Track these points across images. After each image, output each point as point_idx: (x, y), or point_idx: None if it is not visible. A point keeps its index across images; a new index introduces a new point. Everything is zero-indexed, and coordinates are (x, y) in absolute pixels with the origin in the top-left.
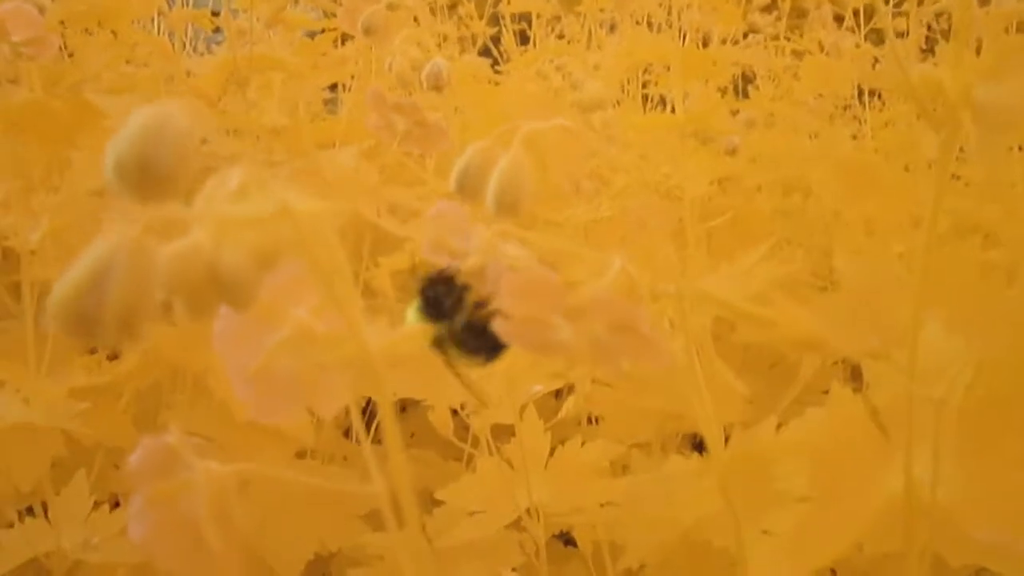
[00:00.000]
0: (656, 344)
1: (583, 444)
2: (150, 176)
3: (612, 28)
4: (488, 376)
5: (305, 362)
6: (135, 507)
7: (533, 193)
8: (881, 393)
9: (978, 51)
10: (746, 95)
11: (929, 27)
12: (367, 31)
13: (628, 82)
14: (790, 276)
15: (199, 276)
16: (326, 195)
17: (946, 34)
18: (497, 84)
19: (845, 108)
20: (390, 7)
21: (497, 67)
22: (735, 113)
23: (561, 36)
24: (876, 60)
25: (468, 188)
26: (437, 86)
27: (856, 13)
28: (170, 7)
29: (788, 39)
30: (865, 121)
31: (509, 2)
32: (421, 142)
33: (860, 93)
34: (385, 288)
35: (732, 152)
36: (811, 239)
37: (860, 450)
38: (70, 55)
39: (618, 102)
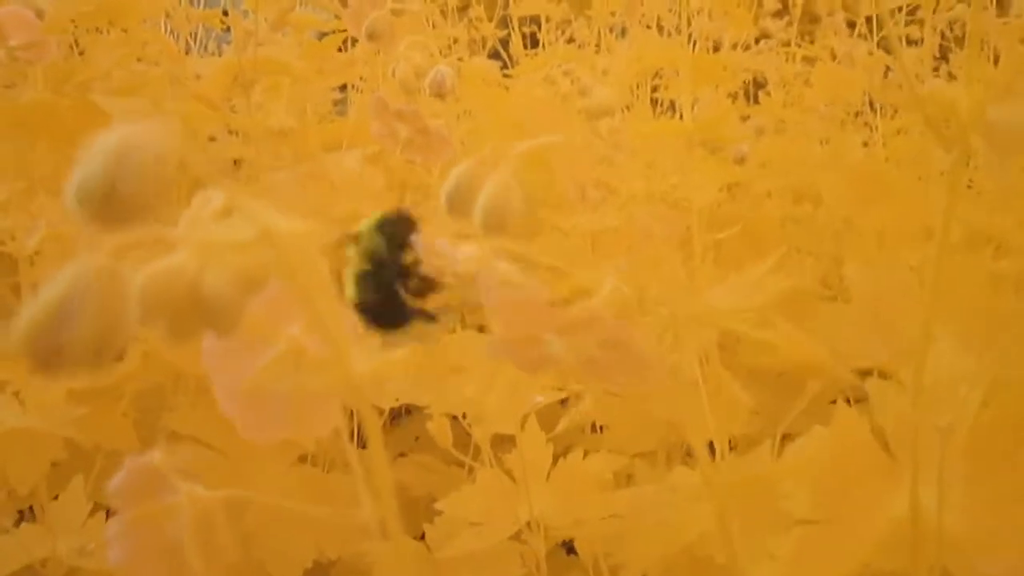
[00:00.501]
0: (648, 361)
1: (585, 456)
2: (114, 204)
3: (623, 32)
4: (490, 386)
5: (293, 385)
6: (114, 530)
7: (520, 213)
8: (886, 413)
9: (996, 61)
10: (757, 101)
11: (943, 35)
12: (371, 36)
13: (637, 87)
14: (799, 288)
15: (181, 299)
16: (330, 201)
17: (960, 41)
18: (507, 88)
19: (856, 115)
20: (394, 12)
21: (507, 70)
22: (745, 119)
23: (571, 40)
24: (888, 69)
25: (458, 207)
26: (440, 93)
27: (869, 19)
28: (180, 3)
29: (799, 45)
30: (876, 128)
31: (517, 4)
32: (423, 150)
33: (871, 100)
34: None
35: (741, 161)
36: (821, 247)
37: (864, 472)
38: (80, 53)
39: (627, 107)
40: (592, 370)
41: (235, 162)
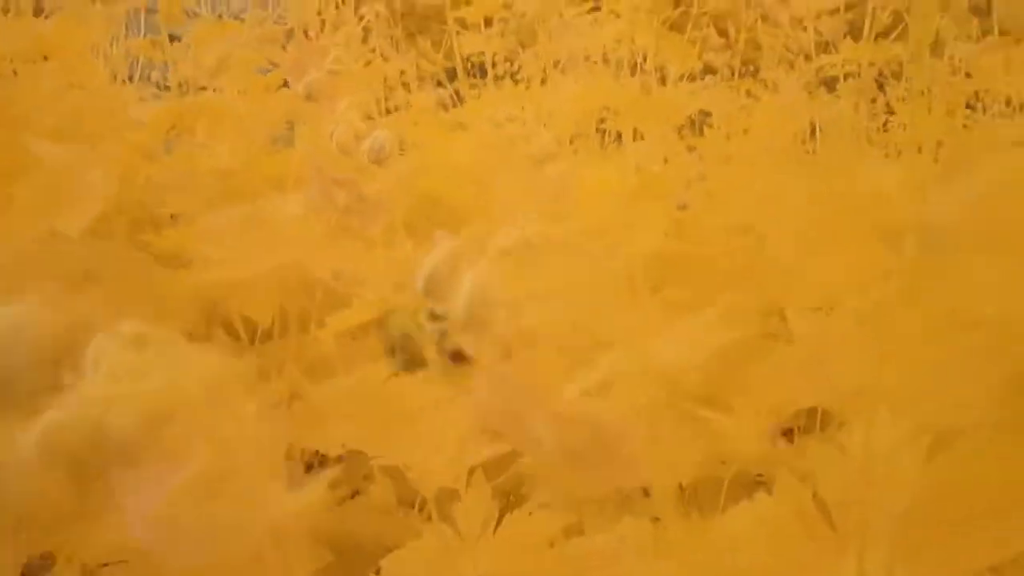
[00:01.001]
0: (636, 466)
1: (531, 513)
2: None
3: (567, 69)
4: (435, 437)
5: (208, 515)
6: None
7: (504, 309)
8: (828, 483)
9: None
10: (702, 132)
11: (880, 71)
12: (309, 97)
13: (584, 120)
14: (744, 334)
15: (84, 444)
16: (270, 249)
17: (897, 75)
18: (459, 125)
19: (802, 142)
20: (332, 73)
21: (454, 98)
22: (692, 149)
23: (517, 72)
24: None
25: (436, 293)
26: (379, 160)
27: (809, 56)
28: (124, 33)
29: (743, 77)
30: (816, 154)
31: (459, 35)
32: (360, 217)
33: (813, 130)
34: (330, 351)
35: (683, 207)
36: (765, 280)
37: (805, 544)
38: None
39: (573, 138)
40: (573, 463)
41: (172, 216)
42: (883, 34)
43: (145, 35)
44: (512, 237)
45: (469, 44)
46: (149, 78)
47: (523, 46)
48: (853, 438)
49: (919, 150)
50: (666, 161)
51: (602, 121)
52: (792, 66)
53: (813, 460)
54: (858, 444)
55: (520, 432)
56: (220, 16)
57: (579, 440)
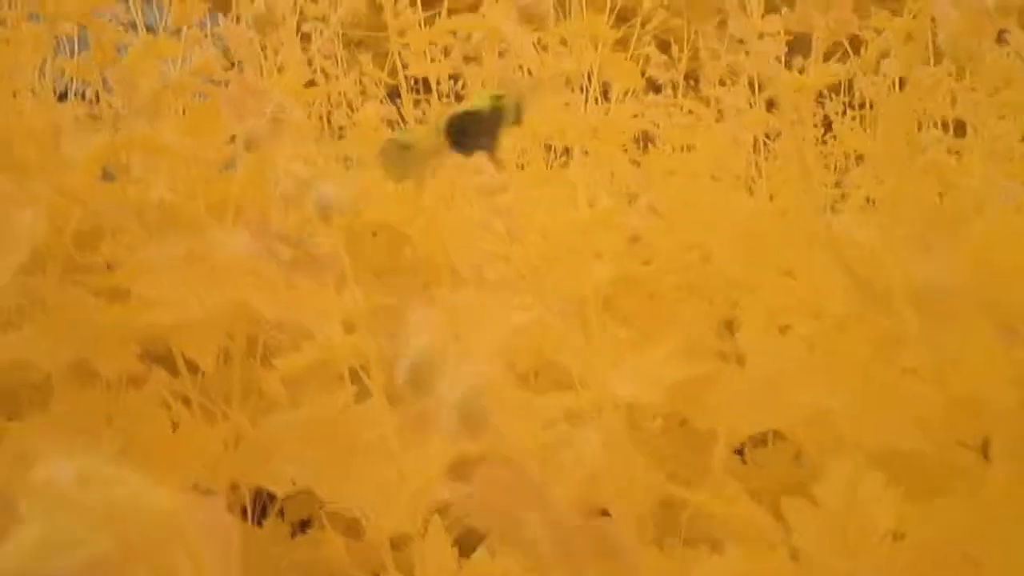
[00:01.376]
0: (629, 558)
1: (492, 557)
2: None
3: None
4: (390, 477)
5: None
6: None
7: (499, 409)
8: (804, 534)
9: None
10: (647, 148)
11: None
12: (248, 146)
13: (531, 139)
14: (698, 363)
15: None
16: (211, 286)
17: (836, 89)
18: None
19: (746, 159)
20: (274, 121)
21: (400, 115)
22: (637, 164)
23: (460, 93)
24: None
25: (419, 385)
26: (325, 216)
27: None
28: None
29: (685, 95)
30: (762, 171)
31: (406, 67)
32: (309, 270)
33: (756, 148)
34: (277, 393)
35: (634, 240)
36: (716, 295)
37: None
38: None
39: (519, 155)
40: (570, 558)
41: (108, 266)
42: (826, 56)
43: (80, 52)
44: (506, 327)
45: (414, 63)
46: (83, 95)
47: (468, 60)
48: (829, 489)
49: (858, 165)
50: (612, 175)
51: (549, 138)
52: (734, 84)
53: (788, 512)
54: (833, 495)
55: (516, 533)
56: (153, 31)
57: (578, 547)
